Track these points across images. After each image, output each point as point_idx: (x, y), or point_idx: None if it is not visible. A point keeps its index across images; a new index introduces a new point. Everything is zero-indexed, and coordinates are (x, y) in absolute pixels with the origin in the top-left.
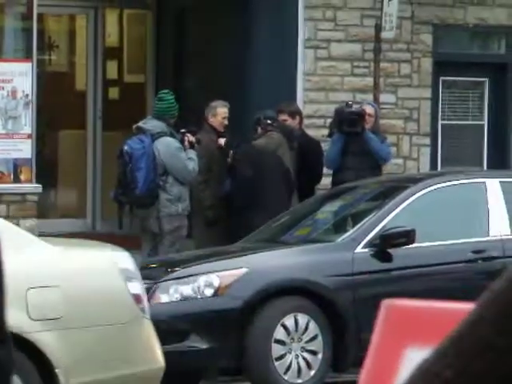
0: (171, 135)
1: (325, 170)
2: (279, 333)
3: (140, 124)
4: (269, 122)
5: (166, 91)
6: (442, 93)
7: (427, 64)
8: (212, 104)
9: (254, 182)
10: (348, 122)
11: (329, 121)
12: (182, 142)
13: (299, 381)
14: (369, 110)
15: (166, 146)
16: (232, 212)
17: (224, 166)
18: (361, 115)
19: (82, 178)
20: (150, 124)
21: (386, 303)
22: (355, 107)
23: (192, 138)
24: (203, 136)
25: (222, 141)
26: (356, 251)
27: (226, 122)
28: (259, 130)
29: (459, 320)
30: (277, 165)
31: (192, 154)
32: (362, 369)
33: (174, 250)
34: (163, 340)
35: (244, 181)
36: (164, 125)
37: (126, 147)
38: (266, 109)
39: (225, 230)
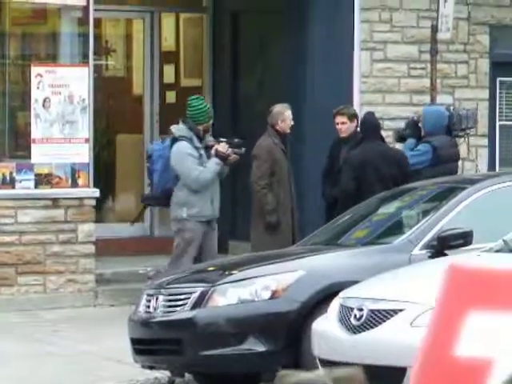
0: (190, 140)
1: None
2: None
3: (171, 126)
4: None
5: (195, 97)
6: (499, 93)
7: (484, 65)
8: (276, 109)
9: (357, 196)
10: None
11: (386, 123)
12: (206, 149)
13: None
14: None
15: (177, 149)
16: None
17: (287, 170)
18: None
19: (139, 182)
20: (176, 127)
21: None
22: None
23: (224, 150)
24: (266, 140)
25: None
26: (413, 253)
27: (293, 123)
28: None
29: None
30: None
31: (211, 163)
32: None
33: (179, 251)
34: (221, 343)
35: (345, 194)
36: (186, 129)
37: (148, 148)
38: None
39: (284, 235)
